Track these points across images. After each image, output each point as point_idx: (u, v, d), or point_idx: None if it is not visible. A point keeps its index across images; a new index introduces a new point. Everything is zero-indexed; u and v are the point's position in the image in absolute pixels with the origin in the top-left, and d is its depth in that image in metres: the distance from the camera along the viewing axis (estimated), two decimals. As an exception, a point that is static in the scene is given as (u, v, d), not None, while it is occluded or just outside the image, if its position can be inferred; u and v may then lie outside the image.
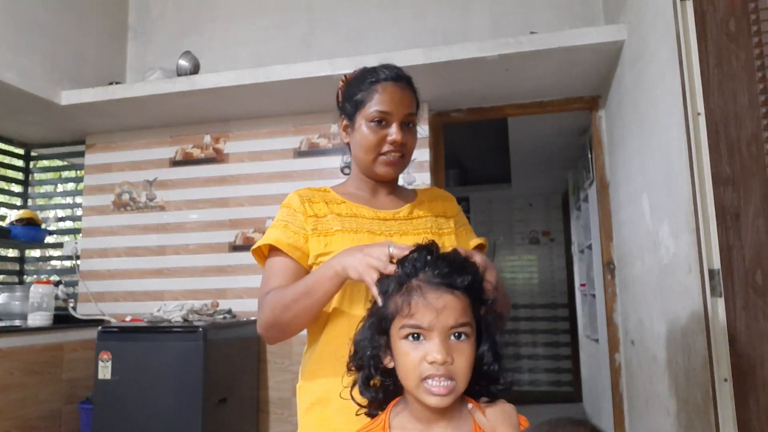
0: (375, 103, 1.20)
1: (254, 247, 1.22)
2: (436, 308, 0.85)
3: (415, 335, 0.86)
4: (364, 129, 1.21)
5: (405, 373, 0.86)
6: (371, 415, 0.95)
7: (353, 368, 0.95)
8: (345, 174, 1.37)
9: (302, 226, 1.20)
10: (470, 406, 0.90)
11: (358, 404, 0.95)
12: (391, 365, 0.90)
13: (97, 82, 3.09)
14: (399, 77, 1.24)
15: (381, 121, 1.20)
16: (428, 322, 0.84)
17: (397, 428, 0.89)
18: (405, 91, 1.23)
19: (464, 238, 1.32)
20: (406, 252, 0.94)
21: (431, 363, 0.83)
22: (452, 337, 0.85)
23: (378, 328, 0.91)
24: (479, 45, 2.47)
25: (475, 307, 0.90)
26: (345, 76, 1.32)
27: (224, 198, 3.13)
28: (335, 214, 1.22)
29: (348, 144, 1.29)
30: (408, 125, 1.22)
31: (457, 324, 0.85)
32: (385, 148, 1.20)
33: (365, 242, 1.15)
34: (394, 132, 1.19)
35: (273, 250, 1.20)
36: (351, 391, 0.95)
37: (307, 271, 1.19)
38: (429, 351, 0.84)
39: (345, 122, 1.28)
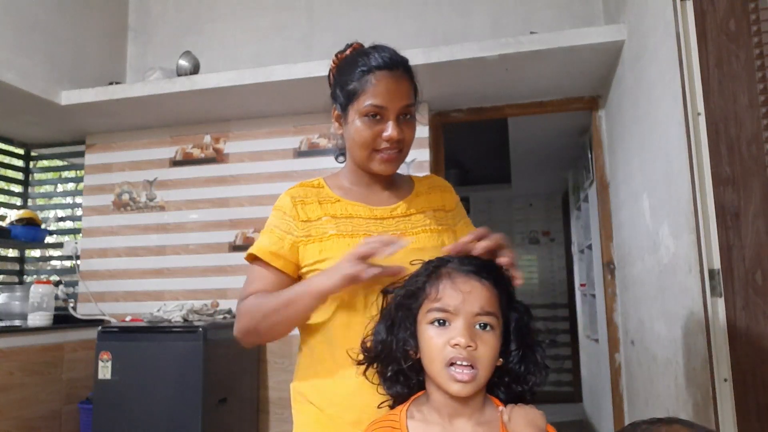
0: (369, 96, 1.10)
1: (245, 255, 1.19)
2: (462, 292, 0.87)
3: (441, 321, 0.87)
4: (357, 123, 1.12)
5: (429, 358, 0.87)
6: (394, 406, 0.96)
7: (370, 361, 0.96)
8: (339, 162, 1.29)
9: (290, 231, 1.15)
10: (501, 408, 0.90)
11: (390, 395, 0.96)
12: (417, 356, 0.91)
13: (97, 82, 3.09)
14: (394, 63, 1.13)
15: (375, 115, 1.11)
16: (454, 305, 0.87)
17: (418, 420, 0.90)
18: (401, 81, 1.13)
19: (465, 232, 1.23)
20: (377, 244, 0.98)
21: (454, 346, 0.84)
22: (477, 327, 0.86)
23: (406, 316, 0.93)
24: (479, 45, 2.46)
25: (504, 304, 0.91)
26: (337, 55, 1.23)
27: (224, 198, 3.13)
28: (330, 216, 1.16)
29: (341, 134, 1.22)
30: (405, 117, 1.13)
31: (483, 311, 0.87)
32: (381, 144, 1.12)
33: None
34: (390, 128, 1.10)
35: (257, 257, 1.15)
36: (382, 384, 0.96)
37: (291, 278, 1.15)
38: (453, 335, 0.85)
39: (337, 112, 1.19)
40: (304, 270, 1.15)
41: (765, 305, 1.44)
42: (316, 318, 1.13)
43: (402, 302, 0.94)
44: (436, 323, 0.87)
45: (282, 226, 1.16)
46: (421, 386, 0.93)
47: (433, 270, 0.92)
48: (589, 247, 4.17)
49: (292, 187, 1.22)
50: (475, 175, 5.02)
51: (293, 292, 1.07)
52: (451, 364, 0.85)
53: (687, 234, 1.64)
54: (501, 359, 0.90)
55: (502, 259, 0.97)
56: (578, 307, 5.19)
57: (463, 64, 2.52)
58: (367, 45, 1.21)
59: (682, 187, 1.64)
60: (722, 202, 1.50)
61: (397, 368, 0.92)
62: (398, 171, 1.29)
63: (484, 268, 0.91)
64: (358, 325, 1.04)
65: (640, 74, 2.15)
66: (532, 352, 0.92)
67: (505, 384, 0.91)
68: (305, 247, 1.14)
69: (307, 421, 1.14)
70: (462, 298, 0.86)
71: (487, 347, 0.86)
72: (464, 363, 0.84)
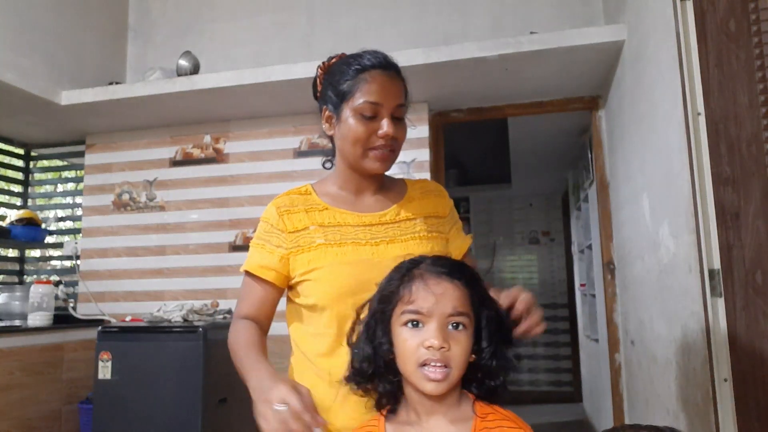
0: (364, 94, 1.11)
1: (241, 269, 1.21)
2: (435, 294, 0.88)
3: (414, 322, 0.89)
4: (351, 121, 1.12)
5: (403, 358, 0.89)
6: (380, 407, 0.97)
7: (356, 376, 0.96)
8: (326, 168, 1.28)
9: (279, 243, 1.16)
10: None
11: (360, 391, 0.97)
12: (392, 357, 0.92)
13: (97, 82, 3.09)
14: (388, 65, 1.16)
15: (371, 112, 1.11)
16: (427, 307, 0.88)
17: (395, 422, 0.93)
18: (395, 81, 1.15)
19: (457, 240, 1.25)
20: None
21: (428, 348, 0.86)
22: (450, 327, 0.88)
23: (381, 319, 0.94)
24: (479, 45, 2.46)
25: (476, 303, 0.92)
26: (323, 63, 1.24)
27: (224, 198, 3.13)
28: (317, 225, 1.16)
29: (331, 137, 1.22)
30: (398, 118, 1.14)
31: (455, 312, 0.88)
32: (375, 142, 1.12)
33: (349, 255, 1.11)
34: (385, 125, 1.11)
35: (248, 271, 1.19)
36: (350, 382, 0.97)
37: (279, 289, 1.18)
38: (426, 337, 0.87)
39: (328, 113, 1.19)
40: (294, 280, 1.16)
41: (765, 305, 1.44)
42: (306, 327, 1.15)
43: (377, 306, 0.95)
44: (410, 325, 0.89)
45: (271, 240, 1.17)
46: (401, 385, 0.95)
47: (406, 272, 0.93)
48: (589, 247, 4.17)
49: (279, 196, 1.23)
50: (475, 175, 5.01)
51: (244, 367, 1.06)
52: (425, 364, 0.87)
53: (687, 234, 1.64)
54: (474, 356, 0.92)
55: (527, 324, 1.00)
56: (578, 307, 5.19)
57: (463, 64, 2.52)
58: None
59: (682, 187, 1.64)
60: (722, 202, 1.50)
61: (375, 369, 0.94)
62: (395, 172, 1.30)
63: (455, 268, 0.93)
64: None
65: (640, 74, 2.15)
66: (505, 349, 0.94)
67: (477, 379, 0.93)
68: (295, 258, 1.14)
69: None
70: (435, 299, 0.88)
71: (460, 346, 0.88)
72: (437, 364, 0.86)
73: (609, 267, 2.94)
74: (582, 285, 4.82)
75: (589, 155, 3.54)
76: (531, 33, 2.51)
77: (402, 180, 1.30)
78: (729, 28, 1.53)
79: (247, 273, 1.19)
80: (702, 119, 1.55)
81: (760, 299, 1.44)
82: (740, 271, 1.47)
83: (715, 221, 1.50)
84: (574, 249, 5.26)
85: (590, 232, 4.07)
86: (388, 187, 1.25)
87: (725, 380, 1.46)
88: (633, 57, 2.25)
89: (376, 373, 0.94)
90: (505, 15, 2.96)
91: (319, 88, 1.24)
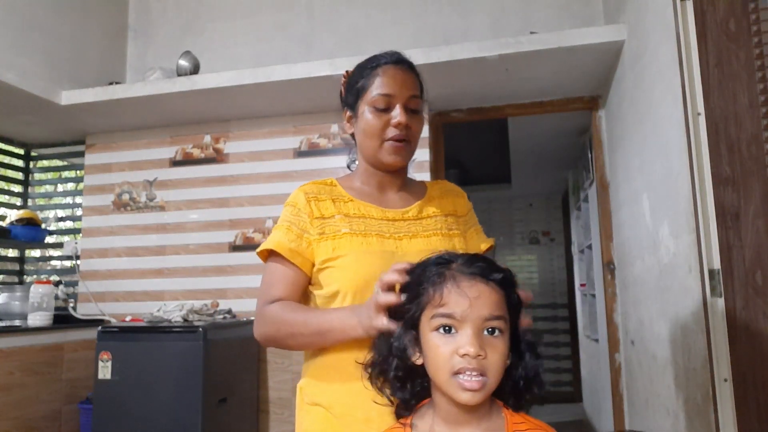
0: (377, 87, 1.16)
1: (258, 249, 1.19)
2: (469, 297, 0.81)
3: (447, 328, 0.82)
4: (367, 114, 1.16)
5: (435, 367, 0.82)
6: (399, 415, 0.91)
7: (374, 371, 0.91)
8: (351, 170, 1.32)
9: (306, 229, 1.16)
10: None
11: (389, 400, 0.91)
12: (419, 362, 0.86)
13: (97, 82, 3.09)
14: (400, 60, 1.20)
15: (384, 105, 1.15)
16: (461, 311, 0.80)
17: (423, 431, 0.86)
18: (407, 74, 1.19)
19: (474, 239, 1.27)
20: (395, 276, 0.91)
21: (463, 356, 0.79)
22: (485, 332, 0.81)
23: (407, 322, 0.88)
24: (479, 45, 2.47)
25: (511, 304, 0.86)
26: (347, 71, 1.29)
27: (224, 198, 3.13)
28: (343, 215, 1.17)
29: (353, 135, 1.25)
30: (413, 110, 1.17)
31: (491, 316, 0.81)
32: (390, 132, 1.15)
33: (374, 245, 1.13)
34: (398, 114, 1.14)
35: (274, 253, 1.16)
36: (378, 388, 0.91)
37: (307, 277, 1.16)
38: (461, 344, 0.80)
39: (348, 113, 1.24)
40: (316, 267, 1.15)
41: (765, 305, 1.44)
42: None
43: (403, 306, 0.89)
44: (442, 330, 0.82)
45: (298, 224, 1.17)
46: (427, 391, 0.89)
47: (436, 271, 0.85)
48: (589, 247, 4.17)
49: (305, 184, 1.24)
50: (475, 175, 5.01)
51: (326, 322, 1.06)
52: (459, 373, 0.80)
53: (687, 234, 1.64)
54: (508, 361, 0.84)
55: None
56: (578, 307, 5.19)
57: (463, 64, 2.52)
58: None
59: (682, 187, 1.64)
60: (722, 202, 1.50)
61: (400, 374, 0.88)
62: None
63: (490, 268, 0.85)
64: None
65: (640, 74, 2.15)
66: (535, 354, 0.87)
67: (508, 389, 0.86)
68: (318, 244, 1.15)
69: (315, 422, 1.13)
70: (469, 303, 0.80)
71: (497, 353, 0.81)
72: (473, 372, 0.79)
73: (609, 267, 2.94)
74: (582, 285, 4.83)
75: (589, 155, 3.54)
76: (531, 33, 2.51)
77: (422, 181, 1.34)
78: (729, 28, 1.53)
79: (274, 255, 1.16)
80: (702, 119, 1.55)
81: (760, 299, 1.44)
82: (740, 271, 1.47)
83: (715, 221, 1.50)
84: (574, 249, 5.26)
85: (590, 232, 4.07)
86: (409, 187, 1.28)
87: (725, 380, 1.46)
88: (633, 57, 2.25)
89: (395, 377, 0.88)
90: (505, 15, 2.96)
91: (343, 95, 1.28)
